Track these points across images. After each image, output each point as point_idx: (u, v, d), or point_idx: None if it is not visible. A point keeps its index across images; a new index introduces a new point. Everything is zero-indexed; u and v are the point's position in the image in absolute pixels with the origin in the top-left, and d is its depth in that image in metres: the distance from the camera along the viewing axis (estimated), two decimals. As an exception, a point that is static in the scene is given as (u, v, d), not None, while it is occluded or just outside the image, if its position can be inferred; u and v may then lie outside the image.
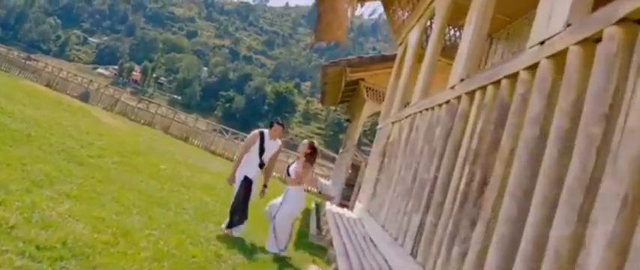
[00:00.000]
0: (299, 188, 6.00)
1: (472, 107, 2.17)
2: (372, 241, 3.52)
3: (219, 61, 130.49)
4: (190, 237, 5.22)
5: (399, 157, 3.61)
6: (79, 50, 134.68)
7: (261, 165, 6.21)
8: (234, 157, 6.30)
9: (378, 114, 10.00)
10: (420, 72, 3.71)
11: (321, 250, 7.20)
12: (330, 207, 5.02)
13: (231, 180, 6.14)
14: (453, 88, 2.55)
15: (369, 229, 3.88)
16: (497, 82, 1.91)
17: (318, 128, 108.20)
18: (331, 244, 5.24)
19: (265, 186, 6.32)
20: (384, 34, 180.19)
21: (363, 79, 9.67)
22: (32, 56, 30.55)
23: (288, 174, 6.02)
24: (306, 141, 6.38)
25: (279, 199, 6.02)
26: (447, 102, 2.62)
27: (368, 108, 9.03)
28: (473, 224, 1.76)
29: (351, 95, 11.64)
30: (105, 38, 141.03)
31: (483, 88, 2.04)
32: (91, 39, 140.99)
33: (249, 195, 6.04)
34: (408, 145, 3.34)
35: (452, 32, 6.31)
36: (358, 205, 5.11)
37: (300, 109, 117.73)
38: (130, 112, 21.55)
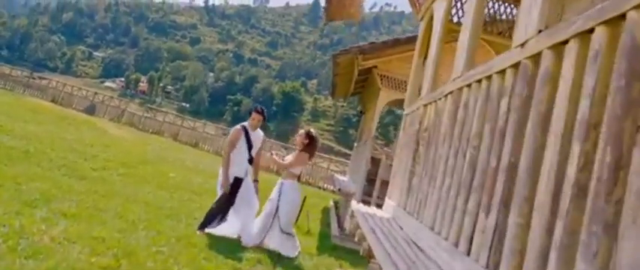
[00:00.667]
0: (293, 182, 5.46)
1: (565, 63, 1.57)
2: (417, 246, 2.94)
3: (224, 66, 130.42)
4: (203, 251, 4.66)
5: (441, 143, 3.02)
6: (85, 65, 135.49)
7: (251, 160, 5.68)
8: (222, 159, 5.71)
9: (394, 103, 9.39)
10: (459, 42, 3.10)
11: (346, 253, 6.61)
12: (358, 206, 4.43)
13: (225, 184, 5.58)
14: (523, 45, 1.96)
15: (410, 231, 3.31)
16: (615, 20, 1.31)
17: (328, 125, 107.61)
18: (358, 243, 4.68)
19: (256, 181, 5.78)
20: (386, 27, 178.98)
21: (376, 67, 9.05)
22: (39, 74, 30.31)
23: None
24: (302, 130, 5.78)
25: (274, 194, 5.52)
26: (515, 65, 2.02)
27: (383, 96, 8.42)
28: (610, 229, 1.16)
29: (363, 85, 11.02)
30: (109, 51, 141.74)
31: (586, 34, 1.45)
32: (96, 53, 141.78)
33: (235, 196, 5.52)
34: (454, 127, 2.75)
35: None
36: (389, 203, 4.50)
37: (308, 107, 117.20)
38: (138, 122, 21.18)
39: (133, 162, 9.87)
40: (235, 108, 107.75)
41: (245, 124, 5.85)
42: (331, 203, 12.15)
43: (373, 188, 8.16)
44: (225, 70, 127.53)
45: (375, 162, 7.93)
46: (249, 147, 5.67)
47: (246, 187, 5.60)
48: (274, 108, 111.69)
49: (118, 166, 8.74)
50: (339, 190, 8.44)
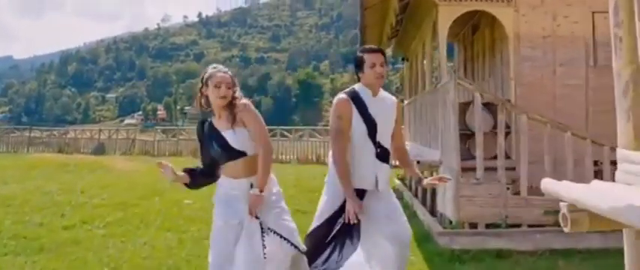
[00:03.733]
0: None
1: None
2: None
3: (233, 72, 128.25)
4: None
5: None
6: (101, 110, 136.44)
7: (382, 154, 2.92)
8: (330, 158, 2.86)
9: (461, 22, 6.58)
10: None
11: (467, 262, 3.97)
12: (562, 185, 1.75)
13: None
14: None
15: None
16: None
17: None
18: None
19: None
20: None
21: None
22: (60, 129, 28.37)
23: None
24: (218, 74, 2.78)
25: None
26: None
27: (445, 13, 5.65)
28: None
29: (399, 24, 8.22)
30: (121, 90, 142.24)
31: None
32: (108, 95, 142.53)
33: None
34: None
35: None
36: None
37: (326, 89, 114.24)
38: (152, 149, 19.08)
39: (135, 198, 7.48)
40: (257, 110, 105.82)
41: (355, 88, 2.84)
42: (397, 182, 9.46)
43: (469, 148, 5.47)
44: (236, 76, 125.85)
45: (492, 109, 5.26)
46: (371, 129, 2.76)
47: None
48: (294, 99, 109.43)
49: (110, 210, 6.35)
50: (418, 162, 5.75)
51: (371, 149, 2.74)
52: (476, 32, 7.88)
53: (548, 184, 1.93)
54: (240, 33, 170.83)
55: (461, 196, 4.73)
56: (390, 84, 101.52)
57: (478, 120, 4.92)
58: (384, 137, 2.79)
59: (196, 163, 2.87)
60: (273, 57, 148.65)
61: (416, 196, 7.22)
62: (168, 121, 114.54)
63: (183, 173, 2.73)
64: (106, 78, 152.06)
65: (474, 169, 4.91)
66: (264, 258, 2.49)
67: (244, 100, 2.68)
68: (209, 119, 2.72)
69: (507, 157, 5.21)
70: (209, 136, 2.66)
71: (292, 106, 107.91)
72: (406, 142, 9.80)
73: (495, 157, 4.99)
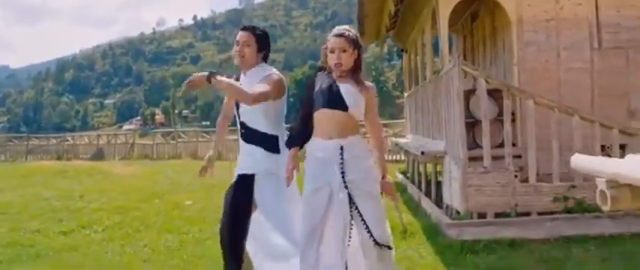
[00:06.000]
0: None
1: None
2: None
3: (230, 73, 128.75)
4: None
5: None
6: (99, 116, 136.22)
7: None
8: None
9: (459, 11, 6.44)
10: None
11: (480, 253, 3.83)
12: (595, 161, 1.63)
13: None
14: None
15: None
16: None
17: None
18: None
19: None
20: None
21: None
22: (59, 137, 28.10)
23: None
24: (333, 39, 2.65)
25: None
26: None
27: (445, 1, 5.50)
28: None
29: (397, 15, 8.07)
30: (118, 96, 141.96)
31: None
32: (106, 101, 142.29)
33: None
34: None
35: None
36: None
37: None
38: (151, 153, 18.92)
39: (135, 201, 7.35)
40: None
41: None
42: (399, 176, 9.32)
43: (474, 136, 5.34)
44: (233, 76, 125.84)
45: (497, 95, 5.11)
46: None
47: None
48: (291, 99, 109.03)
49: (108, 214, 6.22)
50: (423, 153, 5.62)
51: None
52: (475, 21, 7.75)
53: (579, 160, 1.78)
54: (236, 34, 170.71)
55: (469, 186, 4.60)
56: (387, 81, 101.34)
57: (484, 107, 4.79)
58: (248, 117, 2.76)
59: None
60: (269, 57, 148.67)
61: (420, 189, 7.08)
62: (167, 125, 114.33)
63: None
64: (104, 84, 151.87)
65: (479, 159, 4.78)
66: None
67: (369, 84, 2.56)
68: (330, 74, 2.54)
69: (513, 144, 5.08)
70: (322, 83, 2.51)
71: (289, 105, 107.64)
72: (407, 135, 9.70)
73: (501, 145, 4.86)
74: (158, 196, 8.02)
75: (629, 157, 1.78)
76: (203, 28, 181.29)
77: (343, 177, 2.39)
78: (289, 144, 2.56)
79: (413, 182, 8.00)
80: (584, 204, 4.54)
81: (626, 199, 1.42)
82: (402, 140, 9.43)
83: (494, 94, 5.25)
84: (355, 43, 2.46)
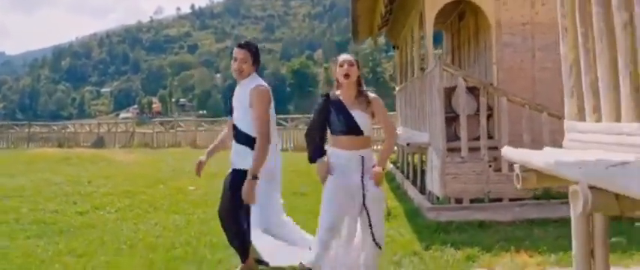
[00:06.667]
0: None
1: None
2: None
3: (228, 64, 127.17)
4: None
5: None
6: (96, 104, 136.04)
7: None
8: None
9: (446, 11, 6.92)
10: None
11: (452, 232, 4.36)
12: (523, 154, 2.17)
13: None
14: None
15: None
16: None
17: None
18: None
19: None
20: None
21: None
22: (56, 124, 28.47)
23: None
24: (343, 56, 3.17)
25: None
26: None
27: (431, 3, 5.97)
28: None
29: (389, 13, 8.53)
30: (115, 84, 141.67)
31: None
32: (103, 90, 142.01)
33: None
34: None
35: None
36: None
37: (320, 78, 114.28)
38: (151, 141, 19.37)
39: (140, 187, 7.84)
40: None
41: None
42: (390, 166, 9.86)
43: (455, 129, 5.85)
44: (230, 68, 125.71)
45: (474, 92, 5.60)
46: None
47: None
48: (288, 89, 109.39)
49: (118, 198, 6.71)
50: (408, 145, 6.13)
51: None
52: (462, 20, 8.22)
53: (507, 151, 2.31)
54: (234, 23, 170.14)
55: (447, 174, 5.12)
56: (384, 72, 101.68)
57: (462, 103, 5.29)
58: (240, 121, 3.29)
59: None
60: (266, 47, 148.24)
61: (407, 177, 7.61)
62: (163, 114, 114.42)
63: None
64: (100, 72, 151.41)
65: (459, 150, 5.30)
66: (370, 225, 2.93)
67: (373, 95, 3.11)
68: (334, 94, 3.07)
69: (490, 137, 5.60)
70: (337, 110, 3.01)
71: (287, 96, 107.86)
72: (398, 127, 10.21)
73: (479, 138, 5.37)
74: (162, 181, 8.52)
75: (546, 149, 2.31)
76: (201, 16, 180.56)
77: (362, 181, 2.93)
78: (314, 157, 3.08)
79: (402, 172, 8.53)
80: (551, 192, 5.08)
81: (533, 179, 1.93)
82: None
83: (475, 90, 5.75)
84: (358, 63, 3.08)
